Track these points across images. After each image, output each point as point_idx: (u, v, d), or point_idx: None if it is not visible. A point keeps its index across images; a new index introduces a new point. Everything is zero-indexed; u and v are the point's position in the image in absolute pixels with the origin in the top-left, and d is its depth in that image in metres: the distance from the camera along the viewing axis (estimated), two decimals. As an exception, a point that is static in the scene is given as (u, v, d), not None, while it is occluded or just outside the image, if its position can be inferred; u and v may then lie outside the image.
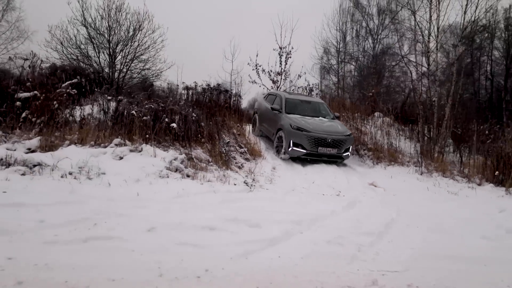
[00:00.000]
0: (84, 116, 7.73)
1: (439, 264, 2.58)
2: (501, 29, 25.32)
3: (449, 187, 7.42)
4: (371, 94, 13.35)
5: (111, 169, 5.49)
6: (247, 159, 8.15)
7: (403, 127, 12.47)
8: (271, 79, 16.98)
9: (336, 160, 8.37)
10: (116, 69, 16.07)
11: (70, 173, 5.23)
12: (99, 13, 15.47)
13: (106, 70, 15.36)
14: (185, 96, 12.58)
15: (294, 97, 9.78)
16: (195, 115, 8.02)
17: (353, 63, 25.26)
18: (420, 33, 11.70)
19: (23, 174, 4.96)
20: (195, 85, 12.77)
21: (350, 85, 25.55)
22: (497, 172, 7.25)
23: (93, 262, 2.18)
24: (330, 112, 9.71)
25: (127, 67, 16.21)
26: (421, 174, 8.53)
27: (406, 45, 24.43)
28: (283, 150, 8.25)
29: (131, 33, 15.76)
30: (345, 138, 8.28)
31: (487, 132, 11.62)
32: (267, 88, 17.64)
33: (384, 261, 2.46)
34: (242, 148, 8.62)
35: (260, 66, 16.46)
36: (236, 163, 7.62)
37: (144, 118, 6.92)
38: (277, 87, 17.15)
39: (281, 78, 16.58)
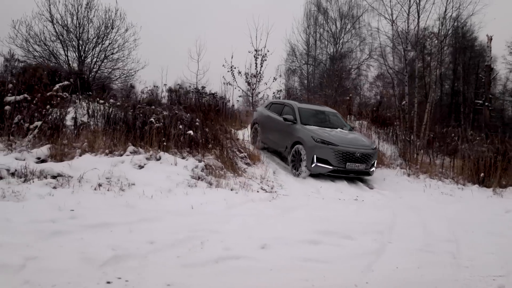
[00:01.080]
0: (81, 121, 7.41)
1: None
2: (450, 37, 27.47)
3: (439, 188, 8.05)
4: (348, 98, 13.96)
5: (138, 179, 5.35)
6: (248, 164, 8.22)
7: (379, 130, 13.23)
8: (247, 82, 17.16)
9: (362, 176, 7.77)
10: (86, 68, 15.33)
11: (100, 185, 5.04)
12: (67, 8, 14.67)
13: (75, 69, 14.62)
14: (168, 99, 12.37)
15: (306, 107, 8.91)
16: (198, 121, 7.99)
17: (317, 65, 26.07)
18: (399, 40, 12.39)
19: (54, 188, 4.71)
20: (179, 87, 12.61)
21: (316, 87, 26.35)
22: (482, 174, 8.04)
23: (239, 284, 2.23)
24: (345, 123, 9.10)
25: (97, 67, 15.54)
26: (408, 176, 9.14)
27: (367, 49, 25.82)
28: (303, 167, 7.33)
29: (102, 31, 15.17)
30: (373, 152, 7.67)
31: (453, 135, 12.69)
32: (242, 91, 17.82)
33: (481, 266, 2.75)
34: (242, 153, 8.69)
35: (235, 68, 16.58)
36: (238, 168, 7.70)
37: (157, 125, 6.77)
38: (253, 90, 17.39)
39: (257, 81, 16.83)
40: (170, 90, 11.87)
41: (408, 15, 12.11)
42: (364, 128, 12.90)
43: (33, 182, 4.72)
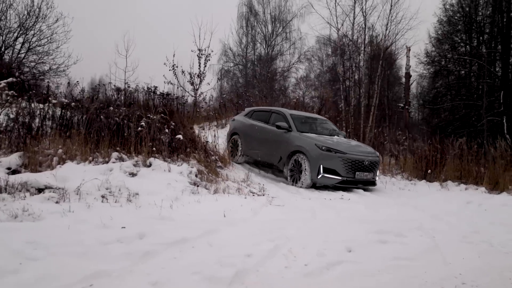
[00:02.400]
0: (39, 124, 6.62)
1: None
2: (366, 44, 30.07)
3: (395, 185, 8.89)
4: (295, 100, 14.51)
5: (140, 188, 4.99)
6: (220, 167, 8.17)
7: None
8: (189, 82, 16.76)
9: (367, 187, 7.16)
10: (5, 60, 13.49)
11: (103, 196, 4.60)
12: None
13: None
14: (116, 98, 11.46)
15: (298, 113, 8.28)
16: (173, 124, 7.66)
17: (249, 66, 26.48)
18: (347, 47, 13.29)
19: (57, 202, 4.17)
20: (128, 87, 11.78)
21: (248, 87, 26.74)
22: (429, 170, 9.15)
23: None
24: (338, 130, 8.59)
25: (19, 60, 13.79)
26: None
27: (297, 53, 27.02)
28: (305, 178, 6.67)
29: (25, 19, 13.50)
30: (379, 160, 7.35)
31: (385, 135, 14.07)
32: (185, 90, 17.34)
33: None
34: (213, 155, 8.57)
35: (177, 67, 16.09)
36: (218, 172, 7.61)
37: (140, 129, 6.34)
38: (196, 90, 17.05)
39: (200, 81, 16.56)
40: (118, 90, 11.02)
41: (353, 25, 12.89)
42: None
43: (24, 197, 4.15)
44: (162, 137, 6.35)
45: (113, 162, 5.74)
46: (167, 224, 3.50)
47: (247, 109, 9.28)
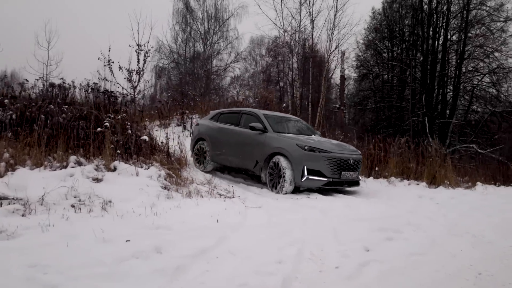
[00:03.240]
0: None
1: None
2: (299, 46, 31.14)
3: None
4: (241, 100, 14.46)
5: (111, 195, 4.54)
6: (178, 169, 7.84)
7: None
8: (127, 79, 15.75)
9: (352, 187, 6.88)
10: None
11: (73, 206, 4.11)
12: None
13: None
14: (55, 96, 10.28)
15: (271, 113, 7.78)
16: (129, 124, 7.12)
17: (186, 64, 25.80)
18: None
19: (23, 215, 3.61)
20: (63, 83, 10.63)
21: (183, 86, 26.04)
22: (377, 167, 9.75)
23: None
24: (314, 130, 8.26)
25: None
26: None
27: (233, 53, 26.98)
28: (287, 182, 6.16)
29: None
30: (361, 158, 7.01)
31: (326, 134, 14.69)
32: (122, 87, 16.24)
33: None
34: (169, 157, 8.19)
35: (113, 62, 15.04)
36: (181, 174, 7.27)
37: (100, 130, 5.77)
38: (135, 88, 16.08)
39: (139, 78, 15.66)
40: (52, 85, 9.92)
41: (299, 27, 13.23)
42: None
43: None
44: (126, 139, 5.83)
45: (72, 167, 5.16)
46: (169, 234, 3.21)
47: (212, 112, 8.74)
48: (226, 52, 26.42)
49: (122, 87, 15.58)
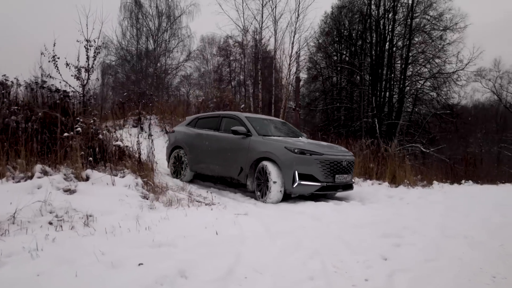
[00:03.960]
0: None
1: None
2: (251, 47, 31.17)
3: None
4: (200, 100, 14.09)
5: (88, 209, 4.14)
6: (151, 176, 7.42)
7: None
8: (75, 76, 14.66)
9: (346, 191, 6.38)
10: None
11: (51, 223, 3.66)
12: None
13: None
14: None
15: (253, 116, 7.31)
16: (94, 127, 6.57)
17: (134, 61, 24.72)
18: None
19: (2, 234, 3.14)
20: (5, 79, 9.54)
21: (130, 84, 24.98)
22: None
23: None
24: (299, 132, 7.75)
25: None
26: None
27: (186, 51, 26.30)
28: (276, 190, 5.67)
29: None
30: (354, 159, 6.53)
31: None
32: (69, 86, 15.07)
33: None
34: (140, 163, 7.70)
35: (59, 58, 13.92)
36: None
37: (67, 134, 5.22)
38: (83, 86, 15.00)
39: (88, 76, 14.66)
40: (-7, 83, 8.88)
41: (261, 29, 13.19)
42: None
43: None
44: (96, 144, 5.34)
45: (39, 177, 4.62)
46: (179, 252, 2.94)
47: (189, 118, 8.20)
48: (178, 50, 25.73)
49: (70, 85, 14.63)
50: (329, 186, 5.80)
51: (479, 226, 4.57)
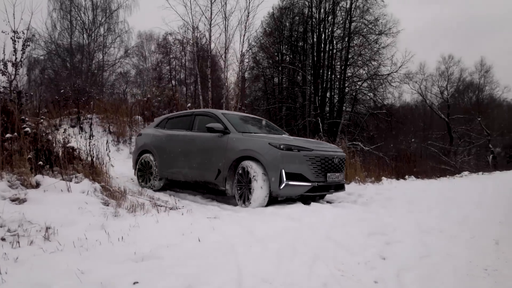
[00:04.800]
0: None
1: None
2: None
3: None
4: (145, 99, 13.37)
5: (44, 219, 3.62)
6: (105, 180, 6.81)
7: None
8: (0, 71, 13.05)
9: (338, 191, 5.84)
10: None
11: (3, 239, 3.12)
12: None
13: None
14: None
15: (230, 112, 6.76)
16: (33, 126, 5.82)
17: (65, 56, 22.87)
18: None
19: None
20: None
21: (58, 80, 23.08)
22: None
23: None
24: (281, 130, 7.13)
25: None
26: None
27: (123, 48, 24.92)
28: (260, 193, 5.06)
29: None
30: (345, 156, 5.95)
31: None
32: (-7, 81, 13.40)
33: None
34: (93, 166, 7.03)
35: (-21, 50, 12.33)
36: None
37: (9, 135, 4.51)
38: (10, 82, 13.41)
39: (16, 71, 13.14)
40: None
41: (210, 26, 12.86)
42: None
43: None
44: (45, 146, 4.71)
45: (-22, 185, 3.94)
46: (170, 266, 2.61)
47: (157, 119, 7.49)
48: (115, 46, 24.30)
49: (-6, 81, 13.04)
50: (320, 187, 5.20)
51: (445, 219, 4.79)
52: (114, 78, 27.40)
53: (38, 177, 4.35)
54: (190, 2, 13.27)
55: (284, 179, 4.96)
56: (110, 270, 2.48)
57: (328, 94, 21.20)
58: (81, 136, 11.44)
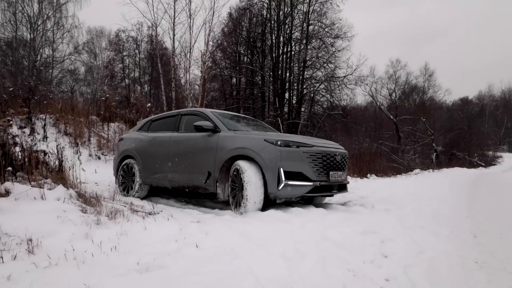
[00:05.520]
0: None
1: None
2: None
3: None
4: (104, 98, 12.73)
5: (24, 230, 3.36)
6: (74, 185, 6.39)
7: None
8: None
9: (342, 192, 5.42)
10: None
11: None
12: None
13: None
14: None
15: (219, 111, 6.21)
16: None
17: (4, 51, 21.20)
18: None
19: None
20: None
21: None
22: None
23: None
24: (272, 128, 6.81)
25: None
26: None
27: (73, 43, 23.57)
28: (256, 195, 4.60)
29: None
30: (347, 154, 5.55)
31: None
32: None
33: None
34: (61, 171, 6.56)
35: None
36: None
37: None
38: None
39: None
40: None
41: (173, 24, 12.54)
42: (126, 131, 12.25)
43: None
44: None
45: None
46: (184, 275, 2.50)
47: (140, 122, 7.07)
48: (63, 41, 22.92)
49: None
50: (322, 187, 4.79)
51: (420, 216, 5.03)
52: (61, 76, 25.86)
53: (7, 184, 3.98)
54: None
55: (283, 178, 4.52)
56: (118, 283, 2.33)
57: (287, 95, 21.54)
58: (33, 138, 10.68)
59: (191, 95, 17.75)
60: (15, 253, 2.85)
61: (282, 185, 4.53)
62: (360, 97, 47.54)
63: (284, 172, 4.55)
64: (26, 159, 4.73)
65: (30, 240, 3.15)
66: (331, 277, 2.58)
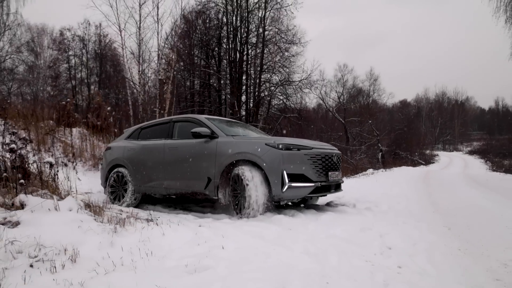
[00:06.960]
0: None
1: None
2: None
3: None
4: (64, 103, 12.25)
5: (57, 241, 3.47)
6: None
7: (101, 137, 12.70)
8: None
9: (336, 191, 5.65)
10: None
11: (32, 265, 2.94)
12: None
13: None
14: None
15: (213, 117, 6.26)
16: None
17: None
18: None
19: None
20: None
21: None
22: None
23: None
24: (266, 134, 6.90)
25: None
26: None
27: (16, 42, 22.07)
28: (260, 198, 4.75)
29: None
30: (341, 154, 5.82)
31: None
32: None
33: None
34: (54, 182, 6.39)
35: None
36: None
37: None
38: None
39: None
40: None
41: (139, 28, 12.45)
42: (87, 137, 11.95)
43: None
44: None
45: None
46: (235, 274, 2.82)
47: (128, 130, 7.01)
48: (4, 40, 21.42)
49: None
50: (323, 187, 5.03)
51: (397, 213, 5.68)
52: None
53: (22, 196, 3.98)
54: (116, 2, 12.62)
55: (287, 181, 4.71)
56: (182, 284, 2.60)
57: (243, 98, 21.99)
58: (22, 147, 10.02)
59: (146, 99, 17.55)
60: (63, 263, 2.98)
61: (286, 187, 4.74)
62: (311, 99, 49.44)
63: (288, 174, 4.75)
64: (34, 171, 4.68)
65: (65, 249, 3.27)
66: (357, 267, 3.04)
